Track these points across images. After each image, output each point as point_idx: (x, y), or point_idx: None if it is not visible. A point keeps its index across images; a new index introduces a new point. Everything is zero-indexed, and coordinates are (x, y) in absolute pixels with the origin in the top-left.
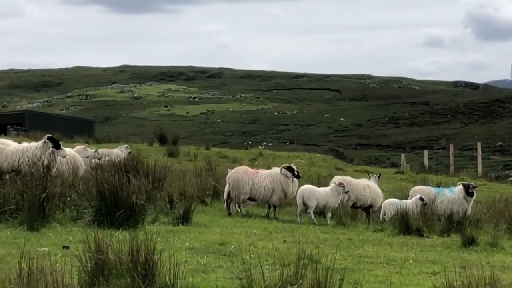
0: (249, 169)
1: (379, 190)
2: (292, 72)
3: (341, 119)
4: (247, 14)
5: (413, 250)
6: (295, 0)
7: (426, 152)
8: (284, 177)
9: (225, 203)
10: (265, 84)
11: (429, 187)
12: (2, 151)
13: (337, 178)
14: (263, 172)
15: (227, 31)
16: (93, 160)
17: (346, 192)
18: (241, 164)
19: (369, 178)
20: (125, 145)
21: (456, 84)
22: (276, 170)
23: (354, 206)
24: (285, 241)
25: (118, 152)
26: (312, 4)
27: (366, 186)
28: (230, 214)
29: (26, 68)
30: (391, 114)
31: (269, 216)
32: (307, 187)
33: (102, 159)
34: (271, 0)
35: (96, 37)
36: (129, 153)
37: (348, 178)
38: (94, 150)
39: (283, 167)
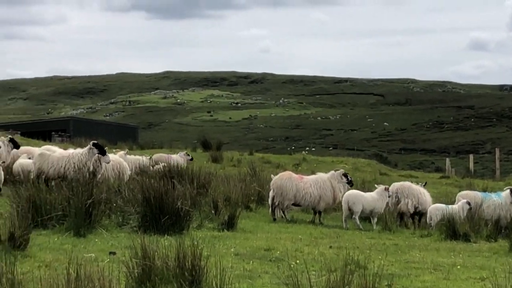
0: (294, 175)
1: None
2: (335, 77)
3: (385, 123)
4: (289, 19)
5: (460, 255)
6: (338, 5)
7: (471, 156)
8: (337, 182)
9: (270, 208)
10: (308, 89)
11: (476, 192)
12: (48, 158)
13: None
14: (308, 178)
15: (269, 36)
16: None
17: (395, 197)
18: (285, 170)
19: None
20: (184, 152)
21: (501, 87)
22: (323, 176)
23: (414, 213)
24: (330, 247)
25: (178, 158)
26: (356, 8)
27: (423, 192)
28: (275, 219)
29: (70, 75)
30: (435, 119)
31: (314, 222)
32: (352, 192)
33: (157, 166)
34: (314, 5)
35: (139, 43)
36: (191, 159)
37: (407, 183)
38: (148, 156)
39: (340, 173)
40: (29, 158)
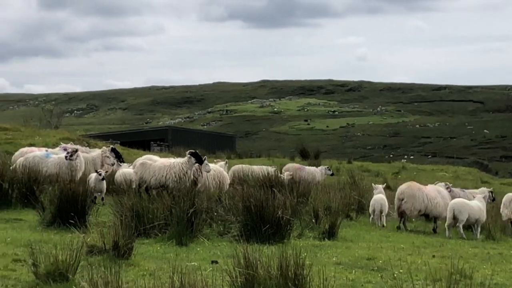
0: (421, 185)
1: None
2: (434, 84)
3: (485, 131)
4: (386, 26)
5: None
6: (436, 11)
7: None
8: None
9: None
10: (405, 97)
11: None
12: (149, 167)
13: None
14: (430, 188)
15: (366, 44)
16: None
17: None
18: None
19: None
20: (326, 166)
21: None
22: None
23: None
24: (434, 256)
25: (316, 171)
26: (454, 14)
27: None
28: (399, 228)
29: (167, 84)
30: None
31: (435, 231)
32: (458, 200)
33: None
34: (411, 12)
35: (235, 53)
36: (331, 174)
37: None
38: (273, 167)
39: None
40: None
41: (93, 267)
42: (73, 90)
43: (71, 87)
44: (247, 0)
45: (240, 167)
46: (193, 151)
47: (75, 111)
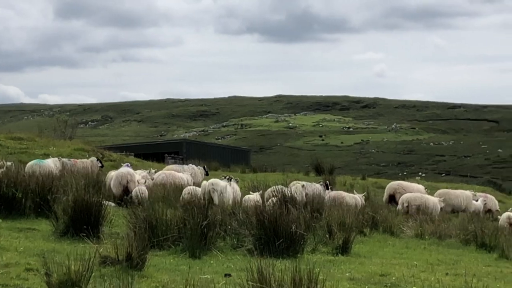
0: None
1: None
2: (449, 102)
3: (499, 150)
4: (406, 43)
5: None
6: (455, 29)
7: None
8: None
9: None
10: (420, 115)
11: None
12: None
13: None
14: None
15: (384, 60)
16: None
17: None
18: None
19: None
20: (361, 194)
21: None
22: None
23: None
24: (447, 274)
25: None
26: (472, 33)
27: None
28: None
29: (183, 97)
30: None
31: None
32: None
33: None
34: (430, 29)
35: (252, 67)
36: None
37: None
38: (302, 184)
39: None
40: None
41: (106, 278)
42: (88, 101)
43: (86, 98)
44: (265, 14)
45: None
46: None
47: (90, 122)
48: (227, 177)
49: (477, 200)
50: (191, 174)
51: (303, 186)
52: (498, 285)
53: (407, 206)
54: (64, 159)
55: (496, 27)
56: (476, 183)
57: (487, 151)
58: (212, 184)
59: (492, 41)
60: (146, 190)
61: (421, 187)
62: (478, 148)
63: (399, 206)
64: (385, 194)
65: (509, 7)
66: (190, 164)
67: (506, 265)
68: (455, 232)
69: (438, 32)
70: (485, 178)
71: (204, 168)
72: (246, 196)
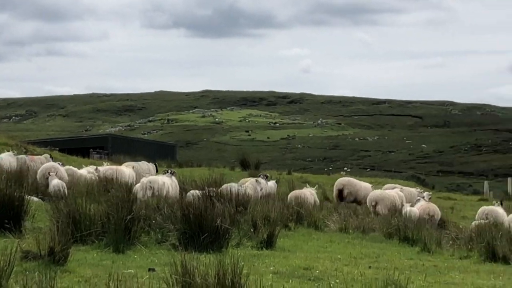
0: None
1: None
2: (374, 98)
3: (423, 145)
4: (332, 39)
5: (500, 277)
6: (381, 26)
7: (509, 179)
8: None
9: None
10: (346, 110)
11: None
12: None
13: None
14: None
15: (310, 56)
16: None
17: None
18: (324, 190)
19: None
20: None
21: None
22: None
23: None
24: (370, 267)
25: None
26: (397, 29)
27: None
28: None
29: (109, 92)
30: (473, 141)
31: None
32: None
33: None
34: (356, 25)
35: (178, 62)
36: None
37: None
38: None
39: None
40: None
41: (28, 272)
42: (12, 95)
43: (10, 92)
44: (192, 8)
45: None
46: None
47: (14, 117)
48: (170, 171)
49: (423, 197)
50: (141, 170)
51: (257, 180)
52: (419, 278)
53: (374, 206)
54: (21, 156)
55: (421, 24)
56: (400, 178)
57: (411, 146)
58: (150, 182)
59: (417, 37)
60: (65, 184)
61: (368, 184)
62: (402, 143)
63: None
64: (334, 189)
65: (434, 4)
66: (143, 161)
67: (428, 258)
68: (379, 226)
69: (364, 28)
70: (409, 173)
71: (155, 165)
72: (190, 192)
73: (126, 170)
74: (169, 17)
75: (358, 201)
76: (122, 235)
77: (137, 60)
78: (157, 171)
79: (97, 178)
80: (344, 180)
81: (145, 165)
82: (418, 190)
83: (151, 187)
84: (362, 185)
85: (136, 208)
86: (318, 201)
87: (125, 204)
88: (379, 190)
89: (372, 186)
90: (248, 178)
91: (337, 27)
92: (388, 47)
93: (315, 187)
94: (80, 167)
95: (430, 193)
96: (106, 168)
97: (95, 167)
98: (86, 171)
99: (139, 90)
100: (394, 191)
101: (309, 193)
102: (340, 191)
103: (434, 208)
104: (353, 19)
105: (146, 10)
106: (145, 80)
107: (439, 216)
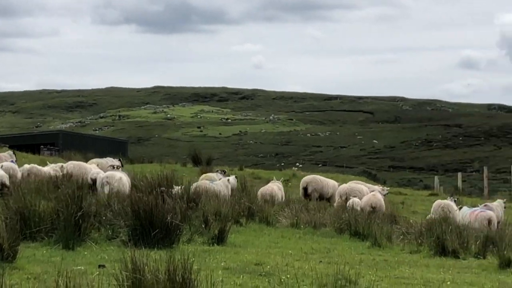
0: None
1: None
2: (326, 93)
3: (374, 141)
4: (284, 35)
5: (450, 271)
6: (332, 22)
7: (459, 174)
8: None
9: None
10: (298, 106)
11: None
12: None
13: None
14: None
15: (262, 52)
16: None
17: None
18: None
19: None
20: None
21: (489, 107)
22: None
23: None
24: (321, 262)
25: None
26: (349, 25)
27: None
28: None
29: (60, 88)
30: (424, 137)
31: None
32: None
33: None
34: (308, 21)
35: (130, 58)
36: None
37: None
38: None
39: None
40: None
41: None
42: None
43: None
44: (143, 4)
45: None
46: None
47: None
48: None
49: (385, 194)
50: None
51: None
52: (370, 272)
53: (345, 199)
54: None
55: (373, 19)
56: (352, 173)
57: (363, 142)
58: (107, 177)
59: (368, 33)
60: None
61: (334, 182)
62: (354, 139)
63: (337, 198)
64: (300, 187)
65: (385, 0)
66: (109, 158)
67: (379, 253)
68: (330, 221)
69: (316, 24)
70: (360, 169)
71: (120, 160)
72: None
73: (89, 166)
74: (120, 13)
75: (325, 198)
76: (72, 232)
77: (88, 56)
78: (122, 166)
79: (61, 175)
80: (308, 178)
81: (111, 161)
82: (382, 187)
83: (107, 182)
84: (329, 182)
85: (86, 205)
86: (284, 195)
87: (75, 200)
88: (346, 185)
89: (338, 184)
90: (206, 174)
91: (289, 23)
92: (339, 43)
93: (280, 180)
94: (29, 164)
95: (388, 188)
96: (69, 163)
97: (60, 164)
98: (51, 169)
99: (90, 86)
100: (363, 186)
101: (277, 188)
102: (305, 189)
103: (376, 200)
104: (305, 15)
105: (97, 6)
106: (96, 76)
107: (383, 209)
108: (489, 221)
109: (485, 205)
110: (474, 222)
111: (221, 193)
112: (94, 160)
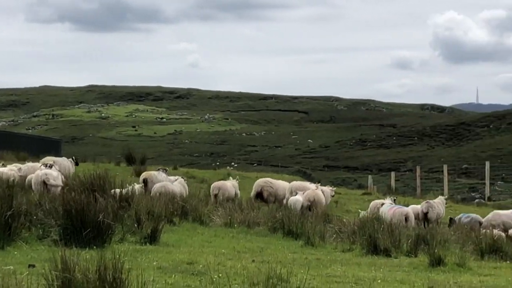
0: None
1: None
2: (261, 93)
3: (309, 140)
4: (219, 34)
5: (381, 270)
6: (267, 21)
7: (393, 174)
8: None
9: None
10: (233, 105)
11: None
12: None
13: None
14: None
15: (198, 51)
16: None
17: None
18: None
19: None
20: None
21: (423, 107)
22: None
23: None
24: (253, 261)
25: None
26: (284, 25)
27: None
28: None
29: None
30: (358, 136)
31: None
32: None
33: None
34: (243, 21)
35: (63, 56)
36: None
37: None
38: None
39: None
40: None
41: None
42: None
43: None
44: (77, 2)
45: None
46: None
47: None
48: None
49: (332, 196)
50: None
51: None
52: (302, 271)
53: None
54: None
55: (308, 20)
56: (287, 172)
57: (298, 142)
58: (46, 174)
59: (303, 33)
60: None
61: (286, 183)
62: (289, 138)
63: (304, 203)
64: (253, 190)
65: (320, 0)
66: (63, 157)
67: (311, 251)
68: (264, 220)
69: (252, 24)
70: (296, 168)
71: (73, 159)
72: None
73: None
74: (54, 10)
75: (278, 200)
76: (1, 231)
77: (21, 54)
78: (77, 164)
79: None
80: (262, 181)
81: (65, 161)
82: (331, 188)
83: (48, 179)
84: (280, 184)
85: (16, 204)
86: (239, 193)
87: (5, 200)
88: (297, 182)
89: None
90: (147, 172)
91: (225, 22)
92: (275, 42)
93: (236, 179)
94: None
95: (334, 188)
96: (26, 164)
97: (19, 166)
98: (9, 169)
99: (23, 85)
100: (313, 185)
101: (230, 185)
102: (259, 194)
103: (315, 194)
104: (241, 14)
105: (31, 4)
106: (29, 74)
107: (323, 204)
108: (406, 218)
109: (426, 202)
110: (392, 218)
111: (182, 194)
112: (48, 158)
